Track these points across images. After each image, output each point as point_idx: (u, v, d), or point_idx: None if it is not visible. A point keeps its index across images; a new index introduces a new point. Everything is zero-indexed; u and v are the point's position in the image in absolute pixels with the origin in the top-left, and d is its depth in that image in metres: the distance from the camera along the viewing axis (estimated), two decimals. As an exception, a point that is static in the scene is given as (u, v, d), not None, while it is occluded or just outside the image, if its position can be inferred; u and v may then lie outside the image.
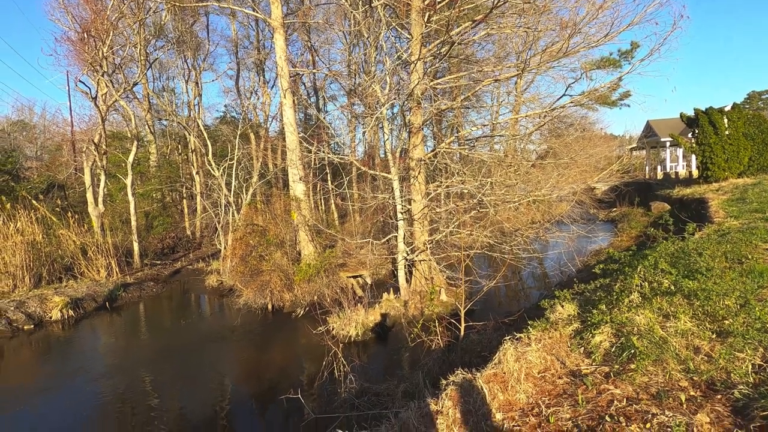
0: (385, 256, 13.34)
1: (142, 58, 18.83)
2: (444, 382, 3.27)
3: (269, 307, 10.42)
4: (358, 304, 9.05)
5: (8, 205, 13.02)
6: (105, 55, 14.27)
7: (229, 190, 15.26)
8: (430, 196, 9.66)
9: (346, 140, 22.30)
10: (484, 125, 11.23)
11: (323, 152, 10.21)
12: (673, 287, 4.29)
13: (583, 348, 3.66)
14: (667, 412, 2.51)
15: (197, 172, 21.36)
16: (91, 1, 15.01)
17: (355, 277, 11.84)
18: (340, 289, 10.31)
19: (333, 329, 8.50)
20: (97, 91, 15.66)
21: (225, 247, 14.35)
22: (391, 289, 9.96)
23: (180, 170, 23.57)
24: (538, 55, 8.45)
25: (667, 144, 27.98)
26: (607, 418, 2.57)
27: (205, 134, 16.73)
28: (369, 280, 11.30)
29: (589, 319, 4.02)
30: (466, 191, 9.26)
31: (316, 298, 10.53)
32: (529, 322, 4.26)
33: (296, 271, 10.68)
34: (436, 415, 2.76)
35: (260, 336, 9.21)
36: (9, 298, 10.81)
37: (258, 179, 16.85)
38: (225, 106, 44.05)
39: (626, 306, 4.08)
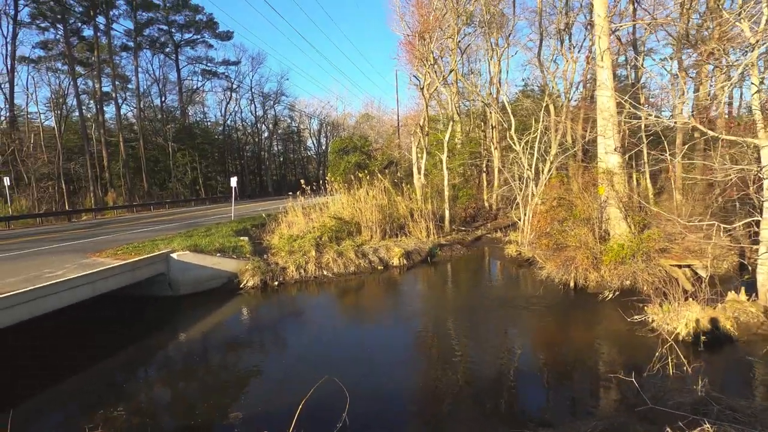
0: (729, 246, 10.39)
1: (454, 46, 21.20)
2: None
3: (571, 284, 10.08)
4: (689, 299, 7.52)
5: (367, 177, 17.67)
6: (431, 49, 16.88)
7: (530, 164, 15.41)
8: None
9: (665, 101, 18.26)
10: None
11: (649, 116, 8.72)
12: None
13: None
14: None
15: (495, 147, 22.59)
16: (421, 7, 17.96)
17: (680, 266, 9.84)
18: (664, 278, 8.81)
19: (653, 321, 7.42)
20: (423, 83, 18.82)
21: (523, 220, 14.73)
22: (743, 288, 7.73)
23: (480, 146, 25.57)
24: None
25: None
26: None
27: (509, 109, 17.35)
28: (703, 273, 9.13)
29: None
30: None
31: (628, 282, 9.45)
32: None
33: (605, 251, 9.83)
34: None
35: (561, 311, 9.07)
36: (368, 245, 14.83)
37: (558, 152, 16.24)
38: (523, 79, 44.19)
39: None
